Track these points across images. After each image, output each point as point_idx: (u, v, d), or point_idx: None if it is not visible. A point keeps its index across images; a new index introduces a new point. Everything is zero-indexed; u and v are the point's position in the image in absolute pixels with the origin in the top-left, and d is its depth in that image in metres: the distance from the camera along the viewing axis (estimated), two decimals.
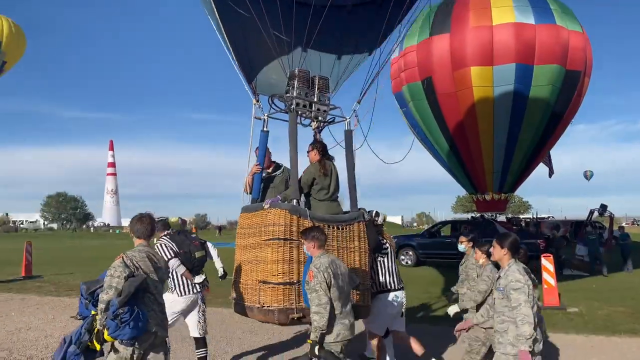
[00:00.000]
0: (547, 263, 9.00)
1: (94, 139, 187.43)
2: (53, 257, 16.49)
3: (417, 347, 4.88)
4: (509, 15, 13.10)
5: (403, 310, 5.07)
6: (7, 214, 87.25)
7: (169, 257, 4.71)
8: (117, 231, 72.19)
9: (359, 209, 4.95)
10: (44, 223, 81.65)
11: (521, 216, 45.89)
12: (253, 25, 4.94)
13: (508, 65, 12.99)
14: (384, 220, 5.33)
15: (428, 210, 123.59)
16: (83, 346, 3.20)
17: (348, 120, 5.36)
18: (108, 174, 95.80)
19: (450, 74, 13.49)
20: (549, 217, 37.57)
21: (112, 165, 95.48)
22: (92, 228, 76.77)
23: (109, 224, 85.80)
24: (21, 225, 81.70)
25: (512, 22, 12.99)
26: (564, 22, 13.39)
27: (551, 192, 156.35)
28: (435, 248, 16.17)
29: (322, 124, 5.25)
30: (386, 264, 4.94)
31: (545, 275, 8.81)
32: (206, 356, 4.89)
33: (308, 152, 4.95)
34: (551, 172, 17.31)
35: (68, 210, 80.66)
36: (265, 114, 5.02)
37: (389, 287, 4.90)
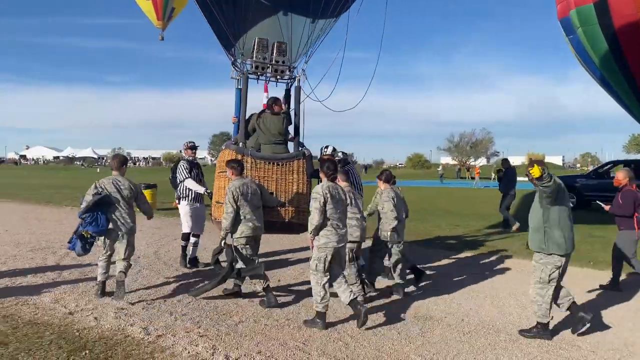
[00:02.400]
0: None
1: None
2: None
3: None
4: None
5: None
6: (180, 151, 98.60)
7: (185, 176, 7.02)
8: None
9: (301, 149, 6.73)
10: (210, 160, 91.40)
11: None
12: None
13: None
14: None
15: (594, 150, 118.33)
16: (78, 234, 5.40)
17: (298, 78, 7.13)
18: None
19: None
20: None
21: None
22: None
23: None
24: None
25: None
26: None
27: None
28: (603, 190, 15.10)
29: (277, 80, 7.20)
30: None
31: None
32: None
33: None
34: None
35: None
36: (237, 75, 7.13)
37: None
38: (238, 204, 5.39)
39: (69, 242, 5.53)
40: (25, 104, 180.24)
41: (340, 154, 6.96)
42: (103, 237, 5.50)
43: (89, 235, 5.34)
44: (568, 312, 4.76)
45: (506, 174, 12.13)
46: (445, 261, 8.22)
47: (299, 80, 7.24)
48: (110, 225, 5.45)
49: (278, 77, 7.27)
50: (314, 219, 4.78)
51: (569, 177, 17.84)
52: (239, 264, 5.42)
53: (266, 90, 7.16)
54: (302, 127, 7.11)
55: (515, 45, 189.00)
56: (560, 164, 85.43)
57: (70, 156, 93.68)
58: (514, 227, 10.92)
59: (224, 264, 5.70)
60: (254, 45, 7.01)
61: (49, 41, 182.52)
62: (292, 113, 7.19)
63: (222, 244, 5.51)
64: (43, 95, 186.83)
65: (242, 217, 5.41)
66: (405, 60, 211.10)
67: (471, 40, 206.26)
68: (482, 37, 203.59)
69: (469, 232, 11.61)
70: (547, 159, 77.34)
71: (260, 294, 5.48)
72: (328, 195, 4.84)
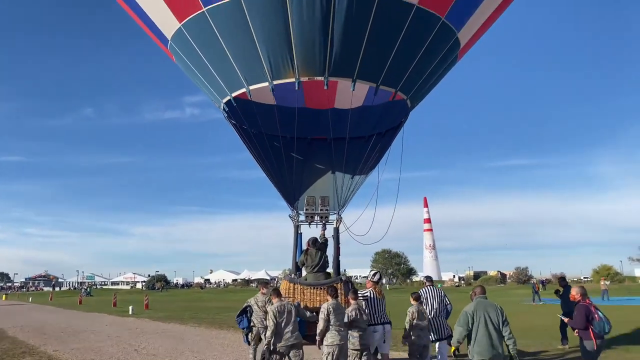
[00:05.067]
0: None
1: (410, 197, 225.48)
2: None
3: None
4: None
5: (385, 338, 8.36)
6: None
7: None
8: (439, 285, 76.83)
9: (340, 276, 9.93)
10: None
11: None
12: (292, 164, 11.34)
13: None
14: (380, 277, 9.24)
15: None
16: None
17: (336, 222, 10.81)
18: (425, 230, 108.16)
19: None
20: None
21: (428, 221, 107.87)
22: (412, 282, 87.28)
23: (431, 278, 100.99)
24: (356, 280, 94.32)
25: None
26: None
27: None
28: None
29: (324, 225, 10.83)
30: (371, 305, 8.50)
31: None
32: None
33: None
34: None
35: (393, 265, 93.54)
36: (297, 223, 11.03)
37: (373, 322, 8.34)
38: (278, 319, 7.75)
39: None
40: (211, 229, 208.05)
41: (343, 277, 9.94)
42: None
43: None
44: None
45: None
46: None
47: (337, 223, 10.80)
48: None
49: (324, 221, 10.81)
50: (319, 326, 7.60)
51: None
52: None
53: None
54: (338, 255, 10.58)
55: None
56: None
57: (246, 279, 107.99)
58: None
59: None
60: (305, 201, 11.08)
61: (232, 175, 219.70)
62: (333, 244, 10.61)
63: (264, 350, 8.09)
64: (226, 223, 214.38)
65: (279, 330, 7.80)
66: (584, 161, 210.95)
67: None
68: None
69: None
70: None
71: None
72: (331, 309, 7.68)
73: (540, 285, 53.03)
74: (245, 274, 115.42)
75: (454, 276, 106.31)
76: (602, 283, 40.73)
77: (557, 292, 13.29)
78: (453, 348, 7.06)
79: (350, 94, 9.97)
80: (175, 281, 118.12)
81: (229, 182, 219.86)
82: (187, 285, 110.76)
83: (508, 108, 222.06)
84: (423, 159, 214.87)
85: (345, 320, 7.97)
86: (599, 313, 7.29)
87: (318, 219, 10.92)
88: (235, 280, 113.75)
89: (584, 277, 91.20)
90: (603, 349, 7.43)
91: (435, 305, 9.24)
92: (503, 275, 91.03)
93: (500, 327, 6.66)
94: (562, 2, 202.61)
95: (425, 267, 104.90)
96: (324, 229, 10.77)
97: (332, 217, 11.05)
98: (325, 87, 9.55)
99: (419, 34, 9.33)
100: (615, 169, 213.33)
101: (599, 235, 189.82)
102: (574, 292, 7.74)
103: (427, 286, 9.64)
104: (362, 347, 8.14)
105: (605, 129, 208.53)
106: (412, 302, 8.90)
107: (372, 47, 9.18)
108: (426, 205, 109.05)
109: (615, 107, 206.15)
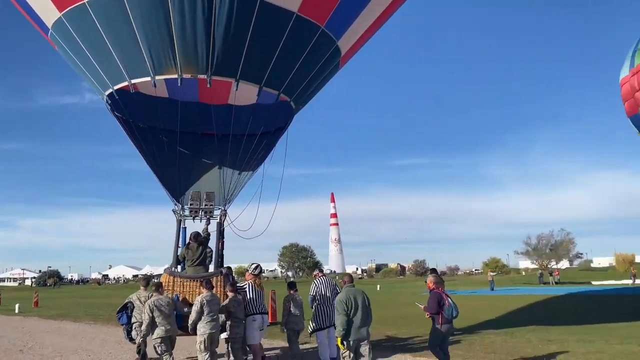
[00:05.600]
0: None
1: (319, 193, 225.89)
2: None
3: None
4: None
5: (263, 327, 9.07)
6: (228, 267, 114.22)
7: None
8: (336, 276, 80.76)
9: (222, 269, 10.25)
10: (280, 272, 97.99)
11: None
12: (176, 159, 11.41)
13: None
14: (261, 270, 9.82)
15: None
16: None
17: (219, 217, 11.14)
18: (331, 224, 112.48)
19: None
20: None
21: (334, 215, 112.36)
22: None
23: (334, 271, 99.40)
24: (263, 274, 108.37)
25: None
26: None
27: None
28: None
29: (208, 219, 11.08)
30: (248, 296, 9.00)
31: None
32: None
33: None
34: None
35: (300, 259, 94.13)
36: (179, 217, 11.13)
37: (252, 312, 8.93)
38: (154, 313, 8.28)
39: None
40: (110, 223, 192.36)
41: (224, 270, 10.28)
42: None
43: None
44: None
45: None
46: None
47: (220, 218, 11.12)
48: None
49: (208, 216, 11.12)
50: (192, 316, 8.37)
51: None
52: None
53: None
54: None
55: (589, 142, 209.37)
56: None
57: (148, 274, 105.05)
58: None
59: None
60: (190, 196, 11.24)
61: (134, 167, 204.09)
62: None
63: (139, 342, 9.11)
64: (127, 216, 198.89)
65: (156, 321, 8.34)
66: (478, 162, 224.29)
67: (542, 138, 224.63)
68: (554, 136, 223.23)
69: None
70: (638, 259, 76.21)
71: None
72: (205, 301, 8.32)
73: None
74: (147, 269, 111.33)
75: (357, 269, 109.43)
76: (490, 274, 44.82)
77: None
78: (340, 339, 7.57)
79: (243, 92, 10.30)
80: (70, 277, 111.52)
81: (131, 174, 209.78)
82: (83, 281, 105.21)
83: (412, 110, 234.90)
84: (332, 156, 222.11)
85: (222, 311, 8.58)
86: (449, 300, 8.20)
87: (202, 214, 11.18)
88: (136, 275, 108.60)
89: (475, 269, 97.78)
90: (450, 332, 8.39)
91: (328, 294, 9.79)
92: (402, 268, 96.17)
93: (367, 310, 7.54)
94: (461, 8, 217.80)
95: (330, 260, 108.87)
96: (208, 223, 11.07)
97: (218, 212, 11.32)
98: (209, 85, 9.84)
99: (299, 41, 9.91)
100: (504, 170, 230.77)
101: (489, 231, 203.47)
102: (429, 281, 8.54)
103: (320, 277, 10.25)
104: (236, 337, 8.76)
105: (495, 135, 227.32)
106: (289, 292, 9.85)
107: (254, 50, 9.61)
108: (333, 201, 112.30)
109: (504, 114, 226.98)
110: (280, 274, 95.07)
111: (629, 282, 41.56)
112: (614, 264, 79.30)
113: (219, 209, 11.37)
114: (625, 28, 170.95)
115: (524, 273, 74.81)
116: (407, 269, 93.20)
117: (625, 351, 9.86)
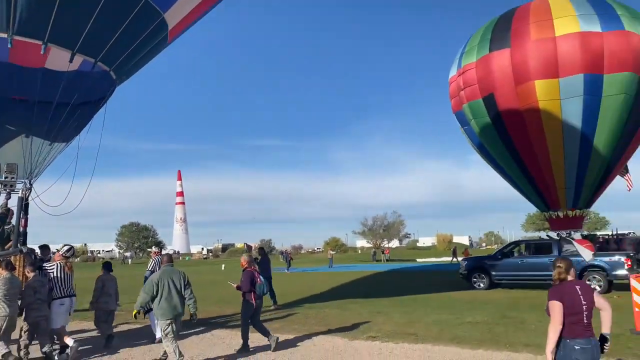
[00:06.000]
0: (636, 283, 8.78)
1: (164, 170, 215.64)
2: (130, 285, 17.39)
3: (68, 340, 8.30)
4: (573, 25, 13.98)
5: (71, 311, 8.70)
6: (85, 244, 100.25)
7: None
8: (187, 258, 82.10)
9: (22, 247, 9.37)
10: (118, 252, 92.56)
11: (599, 233, 47.41)
12: None
13: (575, 77, 13.86)
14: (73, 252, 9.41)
15: (496, 229, 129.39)
16: None
17: (21, 191, 10.05)
18: (177, 203, 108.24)
19: (514, 90, 14.50)
20: (629, 233, 38.50)
21: (181, 194, 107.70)
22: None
23: (178, 251, 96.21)
24: (98, 255, 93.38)
25: (577, 31, 13.88)
26: (634, 27, 14.14)
27: (631, 207, 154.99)
28: (511, 270, 17.00)
29: (8, 194, 10.06)
30: (55, 277, 8.46)
31: (635, 297, 8.76)
32: None
33: None
34: (630, 186, 17.67)
35: (140, 239, 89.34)
36: None
37: (60, 295, 8.40)
38: None
39: None
40: None
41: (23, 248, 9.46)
42: None
43: None
44: None
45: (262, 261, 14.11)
46: None
47: (24, 192, 10.03)
48: None
49: (8, 189, 9.94)
50: None
51: (479, 258, 19.58)
52: None
53: None
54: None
55: (420, 134, 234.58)
56: (468, 242, 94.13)
57: None
58: None
59: None
60: None
61: None
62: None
63: None
64: None
65: None
66: (326, 146, 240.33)
67: (382, 129, 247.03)
68: (392, 126, 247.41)
69: None
70: (455, 239, 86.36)
71: None
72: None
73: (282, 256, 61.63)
74: None
75: (202, 249, 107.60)
76: (329, 252, 48.37)
77: (255, 259, 14.67)
78: (135, 311, 7.66)
79: (57, 57, 9.54)
80: None
81: None
82: None
83: (267, 91, 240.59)
84: (179, 132, 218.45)
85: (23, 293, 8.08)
86: (261, 278, 8.81)
87: (2, 187, 10.14)
88: None
89: (317, 248, 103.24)
90: (260, 306, 8.94)
91: None
92: (249, 247, 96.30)
93: (182, 290, 7.69)
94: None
95: (174, 240, 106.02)
96: (8, 198, 10.13)
97: (21, 186, 10.36)
98: (9, 46, 8.95)
99: (119, 9, 9.37)
100: (347, 155, 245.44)
101: (332, 212, 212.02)
102: (243, 260, 8.92)
103: (158, 255, 10.31)
104: (37, 319, 8.18)
105: (340, 122, 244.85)
106: (103, 271, 9.81)
107: (65, 12, 8.89)
108: (180, 179, 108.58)
109: (352, 103, 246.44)
110: (117, 255, 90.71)
111: (450, 259, 45.62)
112: (436, 243, 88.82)
113: (22, 182, 10.38)
114: (461, 29, 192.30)
115: (359, 251, 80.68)
116: (253, 248, 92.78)
117: (439, 319, 11.16)
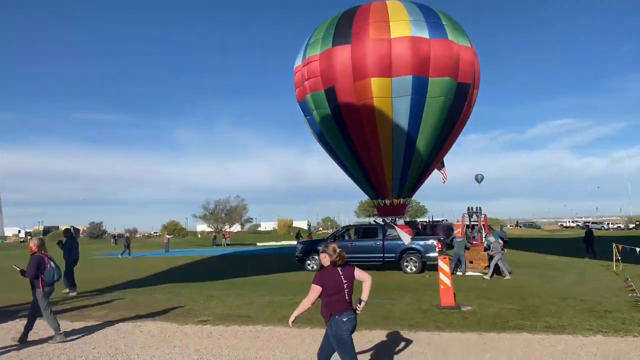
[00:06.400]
0: (443, 264, 10.11)
1: None
2: None
3: None
4: (406, 30, 15.04)
5: None
6: None
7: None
8: (0, 241, 73.47)
9: None
10: None
11: (418, 219, 53.05)
12: None
13: (405, 77, 14.98)
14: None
15: (333, 215, 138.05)
16: None
17: None
18: None
19: (352, 84, 15.32)
20: (443, 220, 43.68)
21: None
22: None
23: None
24: None
25: (409, 36, 15.00)
26: (455, 37, 15.67)
27: (445, 197, 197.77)
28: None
29: None
30: None
31: (441, 276, 10.00)
32: None
33: None
34: (445, 179, 19.57)
35: None
36: None
37: None
38: None
39: None
40: None
41: None
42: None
43: None
44: None
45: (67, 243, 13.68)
46: None
47: None
48: None
49: None
50: None
51: (314, 242, 20.44)
52: None
53: None
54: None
55: (268, 120, 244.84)
56: (307, 227, 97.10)
57: None
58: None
59: None
60: None
61: None
62: None
63: None
64: None
65: None
66: (169, 126, 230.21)
67: (230, 112, 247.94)
68: (240, 111, 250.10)
69: None
70: (295, 224, 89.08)
71: None
72: None
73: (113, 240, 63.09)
74: None
75: (19, 231, 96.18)
76: (166, 237, 46.75)
77: (59, 243, 13.99)
78: None
79: None
80: None
81: None
82: None
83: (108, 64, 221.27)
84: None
85: None
86: (52, 263, 8.03)
87: None
88: None
89: (154, 232, 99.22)
90: (51, 295, 8.20)
91: None
92: (77, 230, 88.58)
93: None
94: None
95: None
96: None
97: None
98: None
99: None
100: (191, 136, 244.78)
101: (172, 194, 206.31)
102: (32, 244, 8.13)
103: None
104: None
105: (187, 102, 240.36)
106: None
107: None
108: None
109: (199, 81, 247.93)
110: None
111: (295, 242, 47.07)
112: (277, 228, 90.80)
113: None
114: (305, 20, 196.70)
115: (199, 236, 79.27)
116: (81, 231, 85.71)
117: (272, 301, 11.43)
